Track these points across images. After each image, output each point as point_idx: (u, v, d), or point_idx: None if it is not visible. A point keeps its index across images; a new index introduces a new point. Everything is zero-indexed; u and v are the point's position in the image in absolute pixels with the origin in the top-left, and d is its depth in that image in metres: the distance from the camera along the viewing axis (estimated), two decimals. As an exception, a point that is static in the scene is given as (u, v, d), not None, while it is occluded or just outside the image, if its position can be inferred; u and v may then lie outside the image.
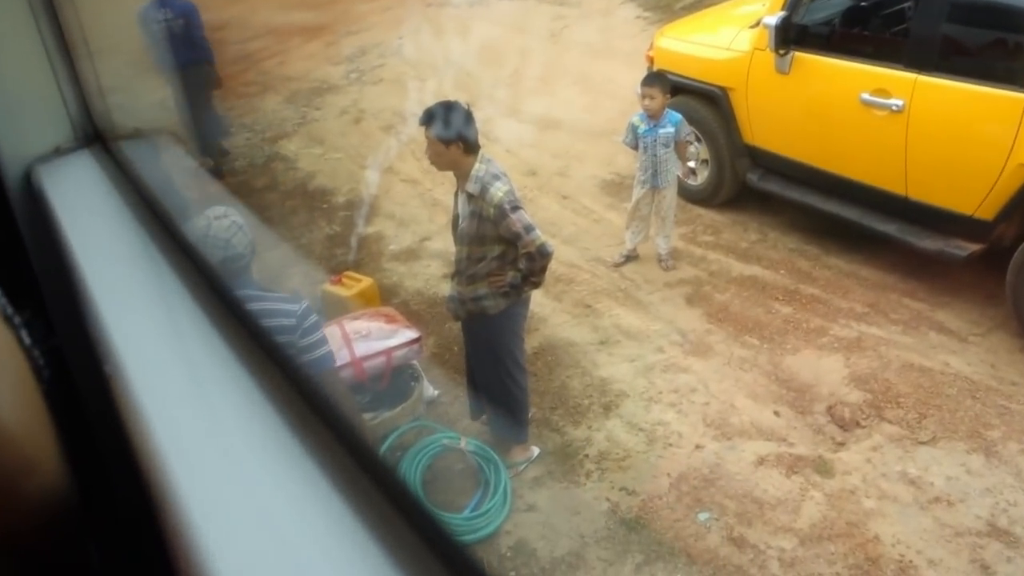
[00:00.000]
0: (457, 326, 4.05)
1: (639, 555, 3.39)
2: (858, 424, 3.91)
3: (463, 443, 3.82)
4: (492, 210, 3.28)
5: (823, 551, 3.32)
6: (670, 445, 3.91)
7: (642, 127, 4.94)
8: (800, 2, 4.86)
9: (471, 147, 3.32)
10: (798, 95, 4.93)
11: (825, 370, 4.26)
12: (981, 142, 4.16)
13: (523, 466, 3.87)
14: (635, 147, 5.06)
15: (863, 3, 5.07)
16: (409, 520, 0.55)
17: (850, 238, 5.12)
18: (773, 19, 4.82)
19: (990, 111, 4.11)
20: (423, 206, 6.40)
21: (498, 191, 3.27)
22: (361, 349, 3.90)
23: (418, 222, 6.18)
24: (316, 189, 6.94)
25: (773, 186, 5.33)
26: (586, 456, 3.90)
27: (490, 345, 3.68)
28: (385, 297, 5.13)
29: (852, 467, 3.69)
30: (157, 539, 0.70)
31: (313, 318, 2.74)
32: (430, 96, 8.01)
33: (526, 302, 3.71)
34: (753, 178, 5.42)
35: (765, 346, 4.47)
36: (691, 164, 5.59)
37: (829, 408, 4.02)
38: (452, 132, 3.26)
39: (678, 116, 4.95)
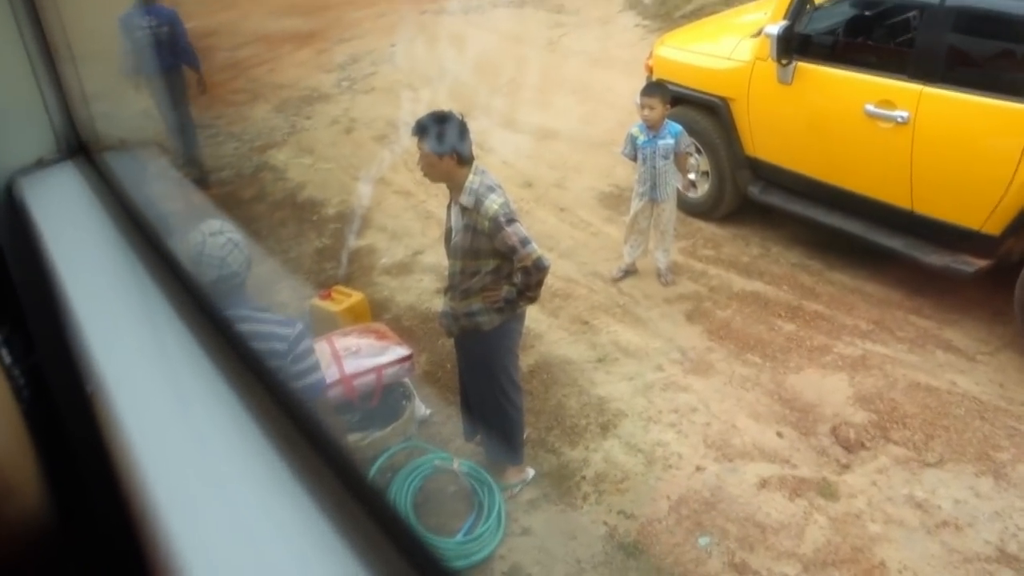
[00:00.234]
0: (450, 343, 4.04)
1: (637, 581, 3.38)
2: (863, 445, 3.91)
3: (456, 464, 3.81)
4: (487, 223, 3.28)
5: (827, 577, 3.31)
6: (670, 467, 3.90)
7: (641, 138, 4.97)
8: (803, 11, 4.90)
9: (465, 158, 3.33)
10: (801, 106, 4.96)
11: (829, 389, 4.26)
12: (988, 155, 4.18)
13: (518, 488, 3.86)
14: (634, 158, 5.08)
15: (867, 12, 5.12)
16: (398, 544, 0.55)
17: (854, 253, 5.14)
18: (775, 28, 4.85)
19: (997, 123, 4.13)
20: (416, 218, 6.41)
21: (493, 203, 3.28)
22: (351, 366, 3.90)
23: (411, 235, 6.19)
24: (306, 200, 6.95)
25: (775, 199, 5.35)
26: (583, 478, 3.90)
27: (484, 362, 3.68)
28: (376, 312, 5.13)
29: (857, 490, 3.68)
30: (138, 563, 0.70)
31: (306, 343, 2.72)
32: (423, 105, 8.05)
33: (521, 318, 3.71)
34: (755, 191, 5.44)
35: (767, 364, 4.48)
36: (691, 176, 5.62)
37: (833, 429, 4.02)
38: (445, 143, 3.27)
39: (678, 127, 4.97)
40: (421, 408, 4.26)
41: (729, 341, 4.69)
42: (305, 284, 5.60)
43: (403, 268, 5.79)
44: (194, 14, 11.71)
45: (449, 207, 3.54)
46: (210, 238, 2.64)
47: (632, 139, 5.02)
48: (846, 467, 3.81)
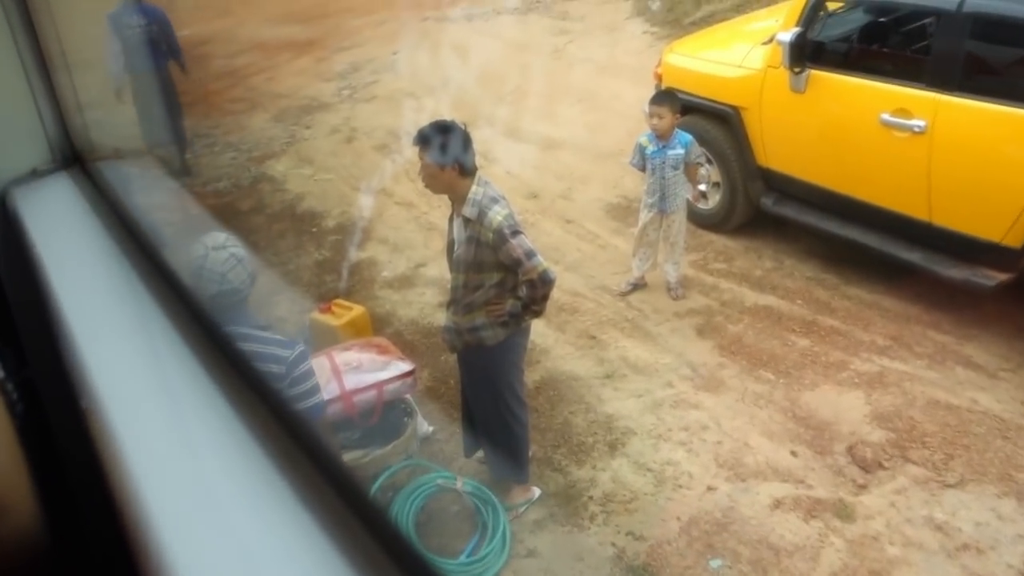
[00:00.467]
0: (453, 358, 4.05)
1: (647, 605, 3.36)
2: (881, 465, 3.89)
3: (459, 483, 3.80)
4: (491, 235, 3.29)
5: (844, 602, 3.29)
6: (680, 486, 3.89)
7: (650, 148, 4.98)
8: (816, 18, 4.92)
9: (467, 169, 3.34)
10: (814, 115, 4.97)
11: (845, 407, 4.25)
12: (1008, 165, 4.18)
13: (523, 508, 3.85)
14: (643, 169, 5.09)
15: (882, 19, 5.13)
16: (401, 564, 0.55)
17: (871, 266, 5.13)
18: (787, 35, 4.87)
19: (1018, 132, 4.13)
20: (418, 230, 6.42)
21: (497, 215, 3.28)
22: (351, 382, 3.90)
23: (413, 247, 6.21)
24: (305, 212, 6.97)
25: (788, 211, 5.36)
26: (590, 498, 3.89)
27: (488, 378, 3.68)
28: (377, 327, 5.13)
29: (875, 511, 3.67)
30: (134, 585, 0.70)
31: (305, 366, 2.72)
32: (426, 115, 8.09)
33: (526, 332, 3.72)
34: (767, 202, 5.45)
35: (781, 381, 4.47)
36: (702, 187, 5.63)
37: (850, 448, 4.00)
38: (447, 154, 3.28)
39: (688, 137, 4.99)
40: (423, 425, 4.26)
41: (741, 357, 4.68)
42: (304, 297, 5.61)
43: (405, 281, 5.80)
44: (188, 21, 11.81)
45: (451, 219, 3.55)
46: (212, 252, 2.65)
47: (641, 149, 5.03)
48: (863, 487, 3.79)
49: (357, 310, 4.86)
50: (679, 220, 5.15)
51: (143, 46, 6.93)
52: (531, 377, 4.53)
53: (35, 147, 1.45)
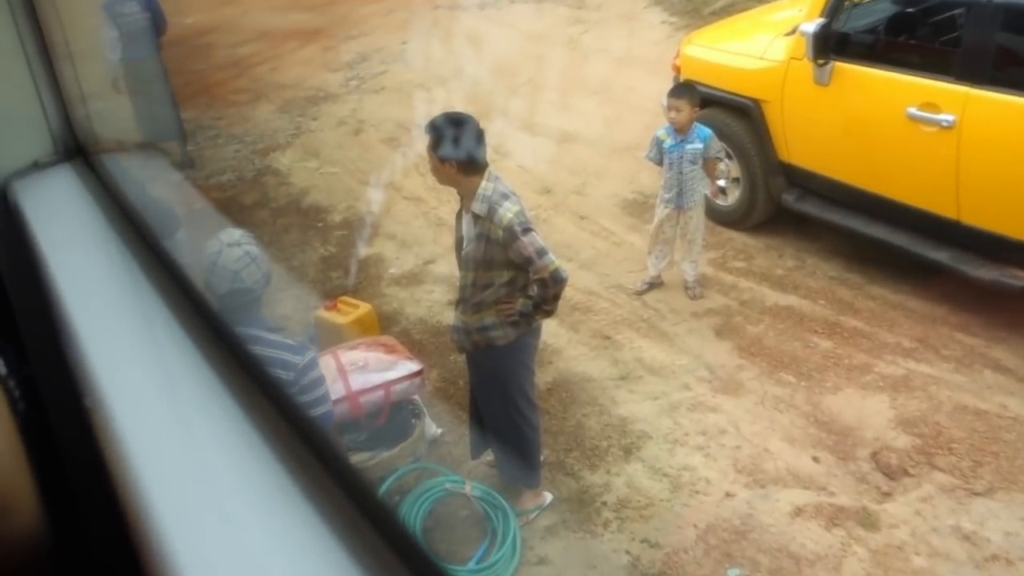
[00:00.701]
0: (462, 358, 4.06)
1: (662, 615, 3.37)
2: (906, 472, 3.88)
3: (468, 487, 3.81)
4: (501, 232, 3.29)
5: (867, 613, 3.29)
6: (697, 492, 3.89)
7: (668, 142, 4.97)
8: (841, 8, 4.90)
9: (477, 164, 3.34)
10: (838, 109, 4.95)
11: (869, 411, 4.24)
12: (1040, 162, 4.17)
13: (534, 514, 3.86)
14: (660, 163, 5.09)
15: (910, 9, 5.11)
16: (410, 565, 0.56)
17: (896, 266, 5.11)
18: (811, 26, 4.85)
19: (1050, 128, 4.12)
20: (427, 226, 6.44)
21: (507, 212, 3.29)
22: (357, 382, 3.91)
23: (421, 243, 6.22)
24: (310, 206, 6.99)
25: (811, 208, 5.34)
26: (604, 504, 3.89)
27: (498, 379, 3.69)
28: (384, 325, 5.15)
29: (899, 520, 3.66)
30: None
31: (315, 373, 2.73)
32: (436, 106, 8.10)
33: (537, 332, 3.72)
34: (789, 199, 5.43)
35: (803, 384, 4.46)
36: (721, 183, 5.61)
37: (874, 454, 3.99)
38: (454, 148, 3.29)
39: (707, 131, 4.98)
40: (431, 427, 4.27)
41: (761, 359, 4.67)
42: (309, 294, 5.63)
43: (413, 278, 5.82)
44: (193, 9, 11.88)
45: (458, 215, 3.55)
46: (227, 248, 2.66)
47: (658, 143, 5.03)
48: (887, 495, 3.78)
49: (364, 308, 4.87)
50: (697, 217, 5.15)
51: (137, 34, 7.06)
52: (543, 378, 4.54)
53: (37, 139, 1.46)
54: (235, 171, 7.85)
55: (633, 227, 6.10)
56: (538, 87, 8.60)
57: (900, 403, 4.26)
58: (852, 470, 3.93)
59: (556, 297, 3.50)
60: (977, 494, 3.73)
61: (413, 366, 4.06)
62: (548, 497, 3.91)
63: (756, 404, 4.36)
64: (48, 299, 1.13)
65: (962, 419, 4.12)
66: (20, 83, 1.45)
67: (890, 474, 3.87)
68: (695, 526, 3.72)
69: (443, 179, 3.43)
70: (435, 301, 5.52)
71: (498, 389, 3.70)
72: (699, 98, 5.04)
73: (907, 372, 4.46)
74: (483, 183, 3.34)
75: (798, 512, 3.73)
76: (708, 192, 5.27)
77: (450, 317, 4.45)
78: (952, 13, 4.95)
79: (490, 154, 3.45)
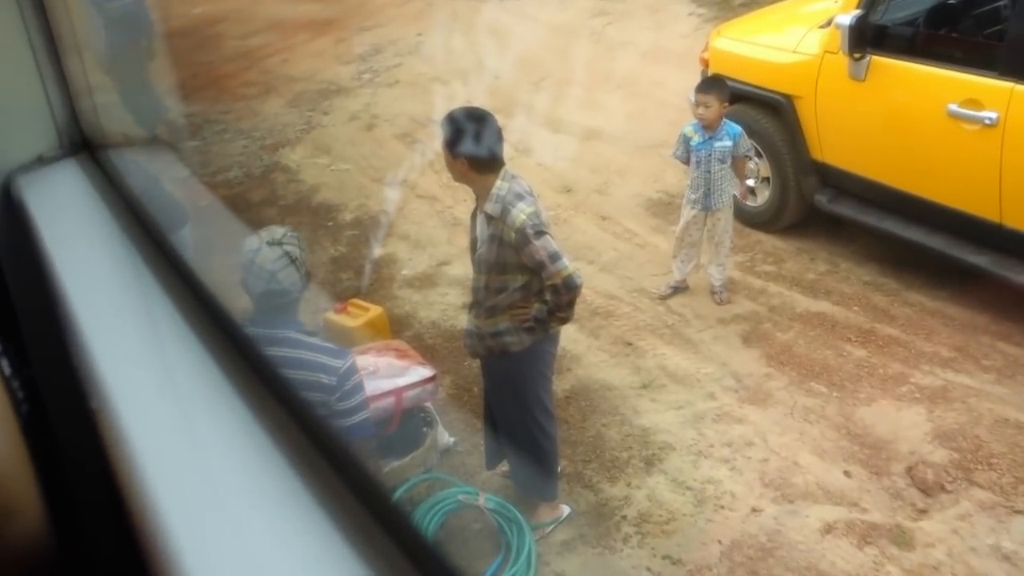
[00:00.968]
0: (477, 364, 4.07)
1: (684, 635, 3.37)
2: (943, 488, 3.86)
3: (482, 499, 3.82)
4: (513, 234, 3.29)
5: (900, 636, 3.28)
6: (722, 507, 3.88)
7: (695, 139, 4.97)
8: (878, -1, 4.89)
9: (493, 162, 3.35)
10: (875, 105, 4.93)
11: (905, 424, 4.22)
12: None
13: (551, 527, 3.86)
14: (686, 161, 5.08)
15: (951, 1, 5.08)
16: (424, 570, 0.57)
17: (934, 271, 5.09)
18: (847, 18, 4.84)
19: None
20: (442, 226, 6.46)
21: (520, 213, 3.28)
22: (368, 388, 3.89)
23: (435, 244, 6.24)
24: (320, 204, 7.03)
25: (845, 209, 5.32)
26: (624, 518, 3.89)
27: (513, 387, 3.69)
28: (396, 329, 5.17)
29: (936, 538, 3.64)
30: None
31: (356, 378, 2.75)
32: (452, 101, 8.12)
33: (555, 339, 3.73)
34: (822, 200, 5.42)
35: (834, 394, 4.45)
36: (750, 182, 5.60)
37: (909, 469, 3.98)
38: (471, 144, 3.30)
39: (737, 128, 4.97)
40: (444, 436, 4.28)
41: (791, 368, 4.66)
42: (318, 296, 5.66)
43: (426, 280, 5.84)
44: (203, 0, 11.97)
45: (473, 215, 3.57)
46: (266, 247, 2.67)
47: (685, 140, 5.02)
48: (923, 512, 3.77)
49: (375, 311, 4.90)
50: (725, 218, 5.14)
51: (121, 21, 7.20)
52: (561, 386, 4.54)
53: (42, 132, 1.48)
54: (243, 167, 7.90)
55: (657, 228, 6.09)
56: (560, 81, 8.61)
57: (937, 415, 4.24)
58: (886, 485, 3.91)
59: (570, 304, 3.48)
60: (1018, 512, 3.71)
61: (426, 372, 4.07)
62: (565, 510, 3.92)
63: (785, 415, 4.35)
64: (52, 298, 1.15)
65: (1003, 433, 4.09)
66: (25, 75, 1.47)
67: (926, 490, 3.86)
68: (719, 542, 3.71)
69: (457, 176, 3.46)
70: (449, 304, 5.54)
71: (513, 398, 3.71)
72: (728, 93, 5.04)
73: (945, 383, 4.44)
74: (498, 182, 3.34)
75: (828, 529, 3.72)
76: (737, 192, 5.26)
77: (464, 321, 4.47)
78: (996, 5, 4.93)
79: (509, 151, 3.46)
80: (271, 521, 0.67)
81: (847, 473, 3.99)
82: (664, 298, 5.36)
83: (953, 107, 4.49)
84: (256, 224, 6.67)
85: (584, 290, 3.64)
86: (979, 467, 3.93)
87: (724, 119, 4.95)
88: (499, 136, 3.38)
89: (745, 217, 5.80)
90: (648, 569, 3.64)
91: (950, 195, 4.72)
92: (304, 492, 0.67)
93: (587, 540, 3.81)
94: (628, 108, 7.83)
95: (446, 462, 4.25)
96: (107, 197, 1.35)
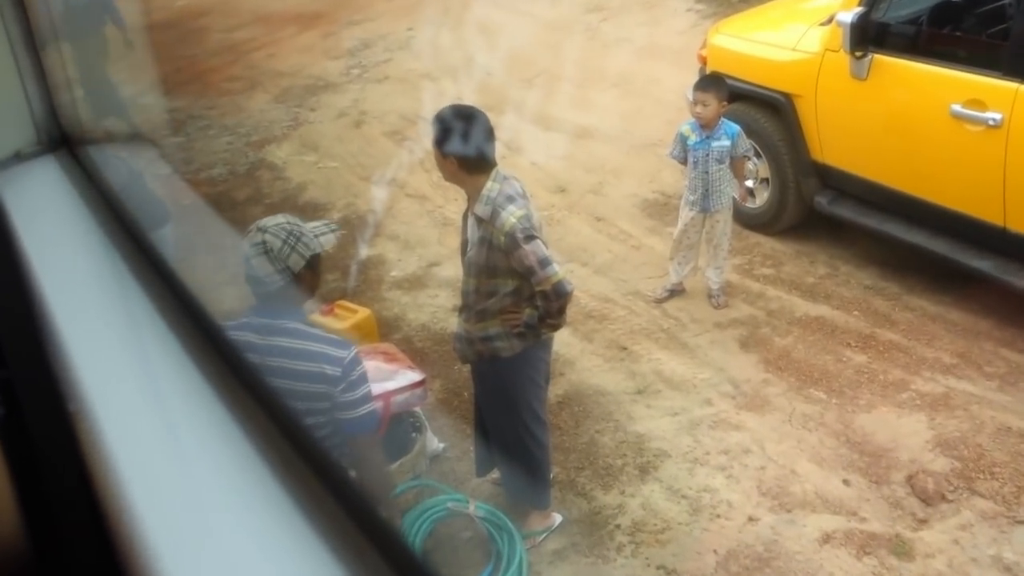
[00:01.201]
0: (468, 368, 4.07)
1: (678, 647, 3.37)
2: (944, 498, 3.88)
3: (472, 507, 3.82)
4: (502, 238, 3.27)
5: (899, 649, 3.29)
6: (718, 516, 3.89)
7: (692, 138, 4.98)
8: (881, -4, 4.91)
9: (483, 162, 3.34)
10: (877, 105, 4.95)
11: (905, 432, 4.24)
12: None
13: (542, 536, 3.87)
14: (684, 161, 5.09)
15: (955, -1, 5.11)
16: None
17: (936, 275, 5.11)
18: (849, 15, 4.85)
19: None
20: (432, 226, 6.46)
21: (510, 216, 3.26)
22: (355, 392, 3.93)
23: (425, 244, 6.24)
24: (307, 203, 7.03)
25: (845, 211, 5.34)
26: (617, 526, 3.90)
27: (504, 394, 3.69)
28: (384, 331, 5.17)
29: (936, 549, 3.65)
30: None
31: (360, 369, 2.74)
32: (443, 98, 8.12)
33: (547, 345, 3.72)
34: (822, 201, 5.43)
35: (834, 401, 4.46)
36: (749, 183, 5.62)
37: (909, 478, 3.99)
38: (461, 143, 3.29)
39: (735, 127, 4.98)
40: (433, 442, 4.28)
41: (789, 373, 4.67)
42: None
43: (416, 282, 5.84)
44: (187, -9, 11.96)
45: (465, 215, 3.56)
46: (255, 232, 2.68)
47: (682, 139, 5.03)
48: (923, 522, 3.78)
49: (362, 313, 4.89)
50: (724, 220, 5.15)
51: (83, 10, 7.21)
52: (554, 391, 4.55)
53: (19, 128, 1.48)
54: (227, 164, 7.90)
55: (653, 230, 6.11)
56: (553, 78, 8.63)
57: (939, 423, 4.26)
58: (885, 494, 3.92)
59: (561, 311, 3.47)
60: (1020, 522, 3.72)
61: (415, 376, 4.07)
62: (557, 518, 3.92)
63: (783, 422, 4.36)
64: (28, 298, 1.14)
65: (1005, 441, 4.11)
66: (2, 69, 1.47)
67: (926, 499, 3.87)
68: (715, 552, 3.72)
69: (447, 176, 3.44)
70: (439, 306, 5.54)
71: (504, 404, 3.71)
72: (727, 92, 5.04)
73: (947, 390, 4.46)
74: (489, 183, 3.32)
75: (826, 539, 3.73)
76: (735, 194, 5.27)
77: (455, 324, 4.47)
78: (1000, 3, 4.95)
79: (502, 150, 3.46)
80: (252, 528, 0.67)
81: (846, 482, 4.00)
82: (660, 301, 5.37)
83: (956, 107, 4.51)
84: (240, 223, 6.66)
85: (578, 293, 3.65)
86: (981, 476, 3.95)
87: (722, 118, 4.95)
88: (490, 135, 3.36)
89: (743, 218, 5.82)
90: (642, 580, 3.65)
91: (953, 198, 4.74)
92: (286, 499, 0.67)
93: (580, 549, 3.82)
94: (623, 106, 7.85)
95: (435, 468, 4.25)
96: (86, 194, 1.35)
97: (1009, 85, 4.34)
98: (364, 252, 6.24)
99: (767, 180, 5.71)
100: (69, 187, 1.39)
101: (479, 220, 3.35)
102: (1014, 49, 4.40)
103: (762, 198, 5.78)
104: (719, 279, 5.26)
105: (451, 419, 4.57)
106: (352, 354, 2.71)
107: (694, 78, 5.39)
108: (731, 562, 3.66)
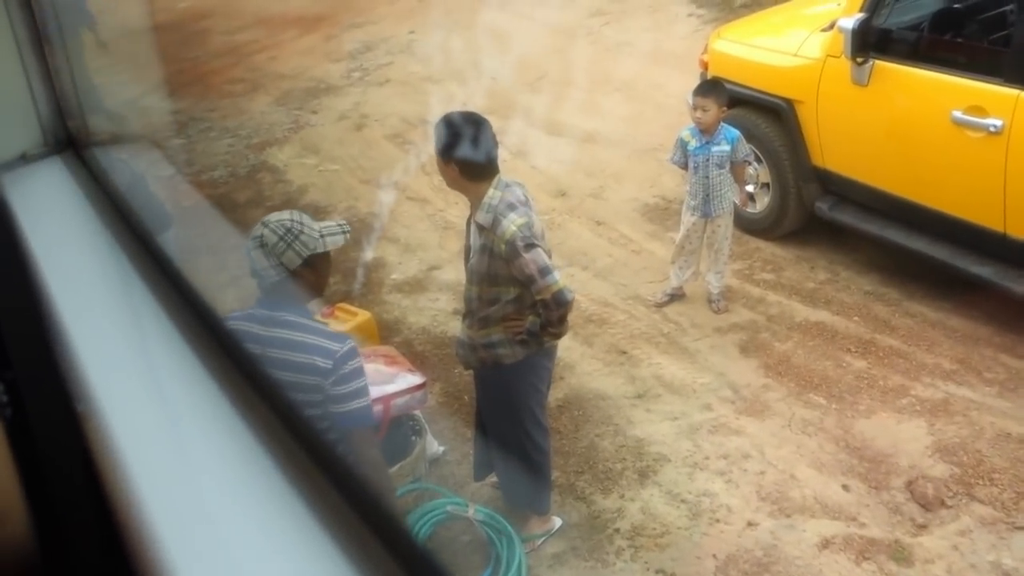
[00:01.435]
0: (468, 372, 4.07)
1: (677, 651, 3.38)
2: (943, 503, 3.88)
3: (471, 511, 3.82)
4: (503, 246, 3.26)
5: (898, 655, 3.29)
6: (717, 521, 3.90)
7: (693, 143, 4.99)
8: (882, 2, 4.91)
9: (485, 169, 3.33)
10: (878, 111, 4.96)
11: (905, 438, 4.24)
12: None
13: (542, 540, 3.87)
14: (684, 166, 5.10)
15: (956, 5, 5.12)
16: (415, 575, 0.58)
17: (937, 281, 5.11)
18: (850, 21, 4.86)
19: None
20: (433, 229, 6.47)
21: (511, 224, 3.25)
22: (355, 395, 3.93)
23: (426, 248, 6.25)
24: (308, 206, 7.03)
25: (846, 217, 5.35)
26: (617, 531, 3.90)
27: (506, 400, 3.69)
28: (385, 334, 5.17)
29: (935, 554, 3.66)
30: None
31: (355, 363, 2.74)
32: (446, 101, 8.14)
33: (550, 353, 3.71)
34: (823, 207, 5.44)
35: (833, 406, 4.46)
36: (749, 188, 5.62)
37: (909, 483, 3.99)
38: (462, 149, 3.28)
39: (735, 132, 4.99)
40: (433, 445, 4.29)
41: (789, 378, 4.68)
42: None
43: (416, 285, 5.84)
44: (189, -7, 11.98)
45: (468, 221, 3.55)
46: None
47: (683, 144, 5.04)
48: (923, 528, 3.78)
49: (362, 315, 4.89)
50: (725, 225, 5.15)
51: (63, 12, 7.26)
52: (554, 395, 4.55)
53: (26, 129, 1.48)
54: (228, 166, 7.90)
55: (653, 234, 6.12)
56: (556, 83, 8.64)
57: (938, 429, 4.26)
58: (885, 500, 3.93)
59: (561, 320, 3.47)
60: (1019, 528, 3.73)
61: (415, 379, 4.07)
62: (557, 522, 3.92)
63: (783, 427, 4.37)
64: (35, 298, 1.15)
65: (1005, 447, 4.12)
66: (9, 70, 1.47)
67: (926, 505, 3.87)
68: (715, 557, 3.72)
69: (450, 183, 3.44)
70: (440, 310, 5.54)
71: (506, 410, 3.71)
72: (727, 97, 5.06)
73: (947, 396, 4.46)
74: (490, 191, 3.31)
75: (826, 544, 3.73)
76: (736, 199, 5.27)
77: (456, 327, 4.48)
78: (1002, 10, 4.96)
79: (503, 154, 3.46)
80: (259, 525, 0.67)
81: (845, 487, 4.00)
82: (660, 306, 5.38)
83: (957, 114, 4.52)
84: (241, 225, 6.67)
85: (578, 297, 3.65)
86: (980, 482, 3.95)
87: (722, 123, 4.97)
88: (493, 142, 3.34)
89: (744, 224, 5.82)
90: (641, 584, 3.65)
91: (953, 204, 4.75)
92: (292, 494, 0.68)
93: (579, 553, 3.82)
94: (625, 111, 7.86)
95: (435, 472, 4.25)
96: (92, 196, 1.36)
97: (1010, 92, 4.35)
98: (365, 255, 6.24)
99: (767, 185, 5.71)
100: (75, 188, 1.40)
101: (480, 228, 3.34)
102: (1015, 56, 4.41)
103: (763, 203, 5.79)
104: (719, 284, 5.27)
105: (451, 422, 4.57)
106: (346, 348, 2.71)
107: (695, 83, 5.40)
108: (730, 567, 3.67)
